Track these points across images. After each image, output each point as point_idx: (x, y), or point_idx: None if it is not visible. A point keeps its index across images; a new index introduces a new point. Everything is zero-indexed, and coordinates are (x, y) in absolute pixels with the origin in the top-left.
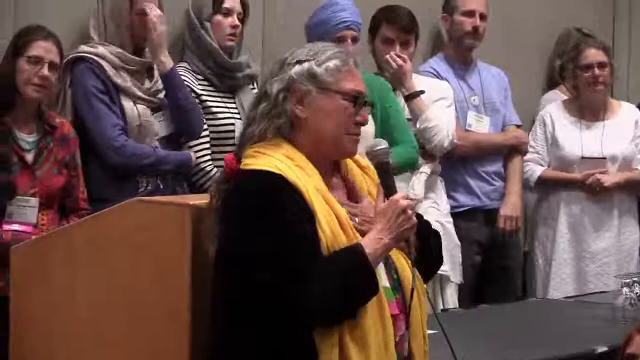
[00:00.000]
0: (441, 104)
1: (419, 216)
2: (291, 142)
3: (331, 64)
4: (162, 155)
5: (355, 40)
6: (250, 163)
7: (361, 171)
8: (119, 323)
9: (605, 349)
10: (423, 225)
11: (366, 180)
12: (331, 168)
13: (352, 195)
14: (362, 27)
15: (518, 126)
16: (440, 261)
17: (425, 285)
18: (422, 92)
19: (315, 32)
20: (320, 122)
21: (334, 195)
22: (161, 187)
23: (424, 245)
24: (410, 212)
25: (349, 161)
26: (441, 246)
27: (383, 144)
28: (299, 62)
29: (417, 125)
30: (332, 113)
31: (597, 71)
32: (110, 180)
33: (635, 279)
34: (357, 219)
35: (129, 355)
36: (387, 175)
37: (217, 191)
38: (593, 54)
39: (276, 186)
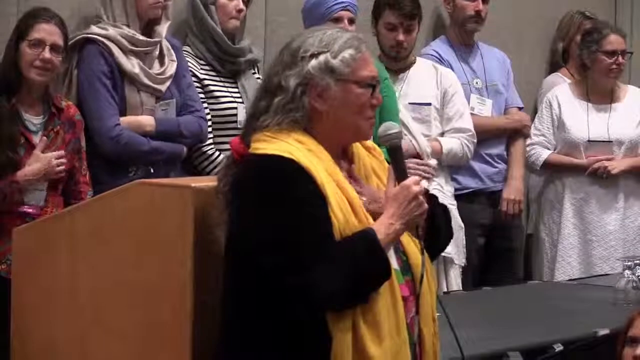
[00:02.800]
0: (458, 103)
1: (425, 191)
2: (304, 129)
3: (346, 54)
4: (155, 146)
5: (352, 21)
6: (260, 147)
7: (367, 152)
8: (120, 307)
9: (607, 331)
10: (431, 202)
11: (372, 161)
12: (340, 151)
13: (352, 176)
14: (364, 9)
15: (520, 108)
16: (450, 236)
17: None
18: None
19: (312, 14)
20: (340, 112)
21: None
22: (152, 172)
23: (432, 225)
24: (421, 198)
25: (355, 143)
26: (450, 220)
27: (395, 128)
28: (314, 55)
29: (447, 159)
30: (351, 102)
31: (620, 58)
32: (101, 165)
33: (638, 261)
34: (364, 198)
35: (130, 340)
36: (398, 158)
37: (225, 176)
38: (618, 41)
39: (288, 171)
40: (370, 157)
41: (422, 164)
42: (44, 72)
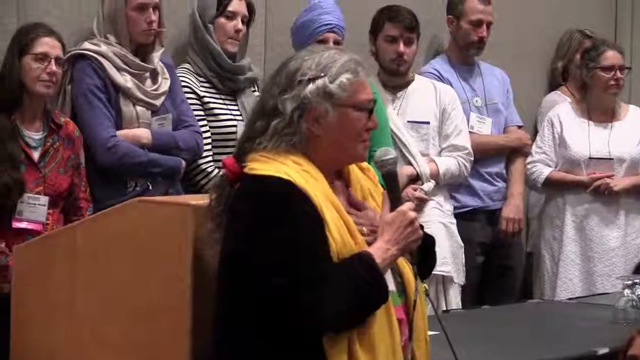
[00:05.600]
0: (456, 120)
1: None
2: (300, 150)
3: (344, 78)
4: (153, 158)
5: (337, 43)
6: (257, 168)
7: (362, 173)
8: (119, 323)
9: (606, 350)
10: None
11: (367, 182)
12: (334, 172)
13: (351, 201)
14: (361, 30)
15: (520, 127)
16: (434, 263)
17: (426, 286)
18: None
19: (299, 33)
20: (337, 136)
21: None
22: (150, 188)
23: (423, 250)
24: (417, 224)
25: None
26: (434, 247)
27: (391, 154)
28: (311, 79)
29: (445, 179)
30: (348, 127)
31: (618, 74)
32: (99, 180)
33: (637, 280)
34: (364, 229)
35: (129, 356)
36: (394, 184)
37: (219, 196)
38: (615, 56)
39: (287, 193)
40: (365, 178)
41: (417, 197)
42: (51, 84)
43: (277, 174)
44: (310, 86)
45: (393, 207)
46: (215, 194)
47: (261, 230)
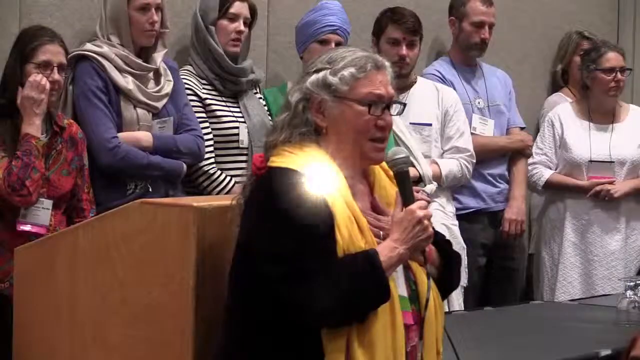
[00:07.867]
0: (459, 122)
1: (441, 236)
2: (319, 145)
3: (346, 72)
4: (154, 161)
5: (339, 45)
6: (276, 160)
7: (389, 180)
8: (121, 325)
9: (609, 352)
10: (446, 245)
11: (393, 188)
12: (359, 174)
13: (374, 206)
14: (364, 30)
15: (522, 128)
16: (458, 281)
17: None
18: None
19: (302, 33)
20: (340, 129)
21: (359, 203)
22: (150, 190)
23: (445, 264)
24: (426, 222)
25: (377, 170)
26: (460, 267)
27: (402, 153)
28: (316, 71)
29: (447, 181)
30: (348, 120)
31: (619, 75)
32: (98, 182)
33: None
34: (381, 233)
35: (131, 358)
36: (405, 184)
37: (244, 189)
38: (616, 58)
39: (297, 184)
40: (392, 185)
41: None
42: (53, 93)
43: (292, 167)
44: (312, 77)
45: (404, 207)
46: (242, 188)
47: (267, 220)
